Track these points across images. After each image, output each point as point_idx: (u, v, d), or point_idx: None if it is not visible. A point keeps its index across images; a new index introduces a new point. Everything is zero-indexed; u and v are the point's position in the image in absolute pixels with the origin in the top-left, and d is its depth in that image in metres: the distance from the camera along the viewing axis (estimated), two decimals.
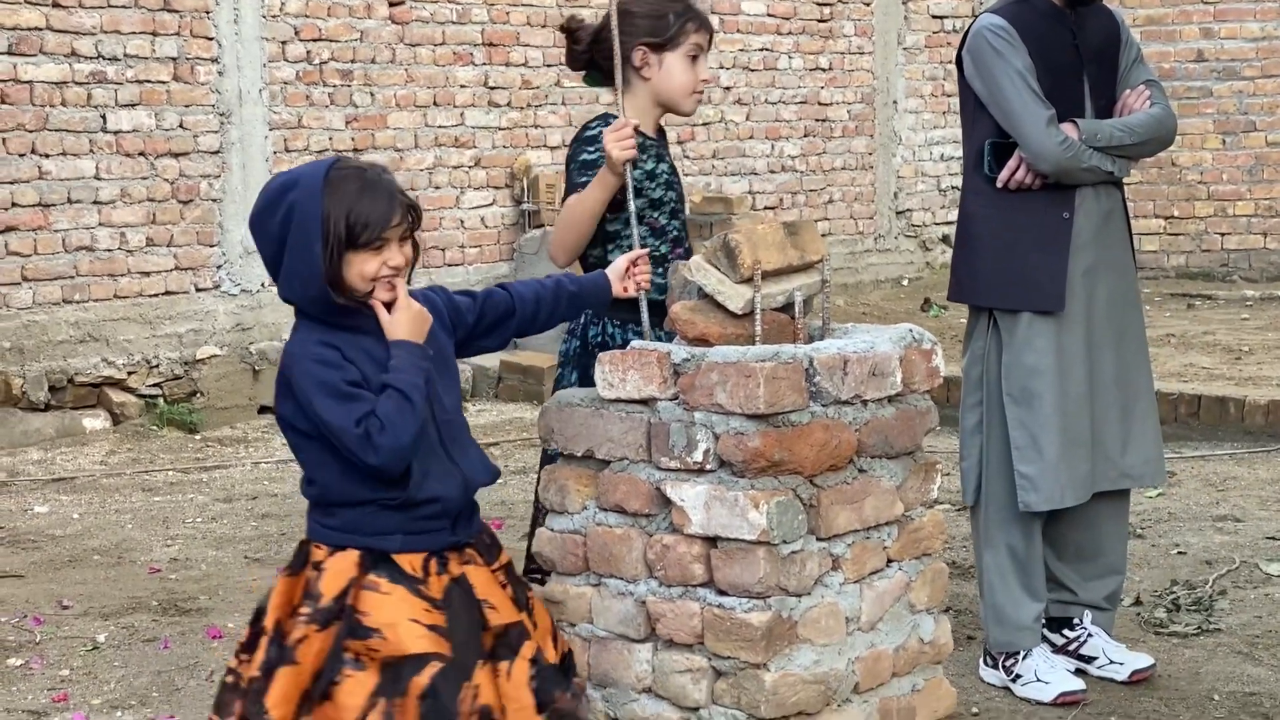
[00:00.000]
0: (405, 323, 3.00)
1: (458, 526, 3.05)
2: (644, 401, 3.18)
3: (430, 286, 3.23)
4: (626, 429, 3.20)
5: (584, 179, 3.74)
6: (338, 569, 2.97)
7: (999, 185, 4.27)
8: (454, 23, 9.47)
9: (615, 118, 3.74)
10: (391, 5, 9.19)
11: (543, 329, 3.41)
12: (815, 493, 3.13)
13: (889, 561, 3.31)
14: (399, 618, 2.91)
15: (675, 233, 3.91)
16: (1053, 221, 4.26)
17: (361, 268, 2.97)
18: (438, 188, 9.45)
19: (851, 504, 3.19)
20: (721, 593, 3.10)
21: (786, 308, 3.31)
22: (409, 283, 3.07)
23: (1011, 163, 4.25)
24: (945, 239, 12.25)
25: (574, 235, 3.82)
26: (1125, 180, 4.42)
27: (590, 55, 3.93)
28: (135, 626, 5.04)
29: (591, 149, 3.77)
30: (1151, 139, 4.36)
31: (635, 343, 3.25)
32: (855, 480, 3.21)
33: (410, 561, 2.97)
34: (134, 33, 8.17)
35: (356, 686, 2.89)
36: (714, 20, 9.80)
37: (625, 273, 3.44)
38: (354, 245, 2.95)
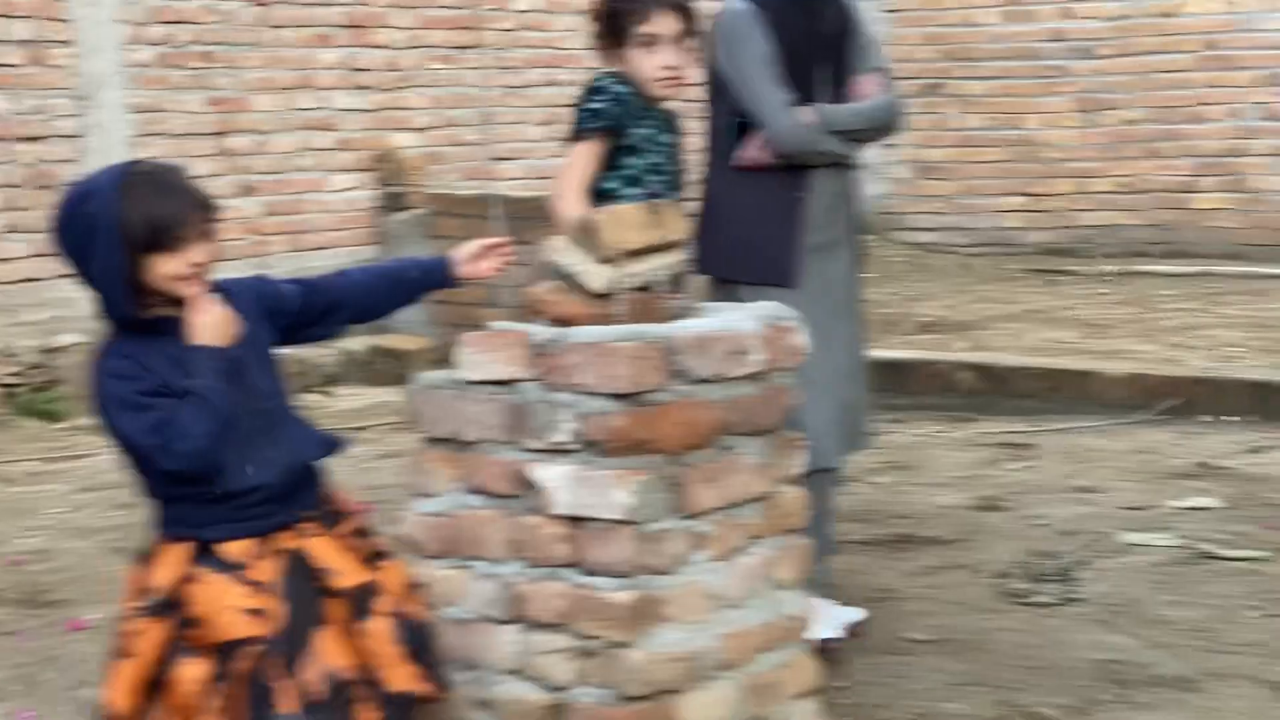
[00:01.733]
0: (205, 327, 3.02)
1: (289, 505, 3.09)
2: (507, 383, 3.17)
3: (255, 276, 3.26)
4: (490, 410, 3.19)
5: (589, 126, 3.87)
6: (169, 561, 3.04)
7: (738, 164, 4.39)
8: (317, 4, 9.37)
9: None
10: None
11: (382, 315, 3.43)
12: (679, 471, 3.15)
13: (753, 538, 3.34)
14: (220, 606, 2.99)
15: None
16: (787, 200, 4.42)
17: (164, 269, 2.98)
18: (302, 171, 9.35)
19: (715, 482, 3.21)
20: (587, 573, 3.10)
21: (648, 287, 3.31)
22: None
23: (751, 143, 4.38)
24: None
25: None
26: (855, 162, 4.61)
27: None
28: None
29: (600, 97, 3.90)
30: (881, 124, 4.56)
31: (496, 324, 3.24)
32: (719, 458, 3.23)
33: (237, 548, 3.03)
34: None
35: (191, 674, 2.99)
36: None
37: (477, 256, 3.43)
38: (155, 248, 2.96)
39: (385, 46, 9.73)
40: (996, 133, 12.50)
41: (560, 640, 3.13)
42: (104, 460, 7.27)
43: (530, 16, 10.48)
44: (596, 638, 3.09)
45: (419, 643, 3.13)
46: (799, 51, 4.41)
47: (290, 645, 3.01)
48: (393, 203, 9.64)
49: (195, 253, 3.00)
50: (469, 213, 9.16)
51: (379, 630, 3.08)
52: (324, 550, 3.11)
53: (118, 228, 2.93)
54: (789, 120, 4.35)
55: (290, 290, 3.24)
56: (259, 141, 9.09)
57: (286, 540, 3.08)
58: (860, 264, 4.69)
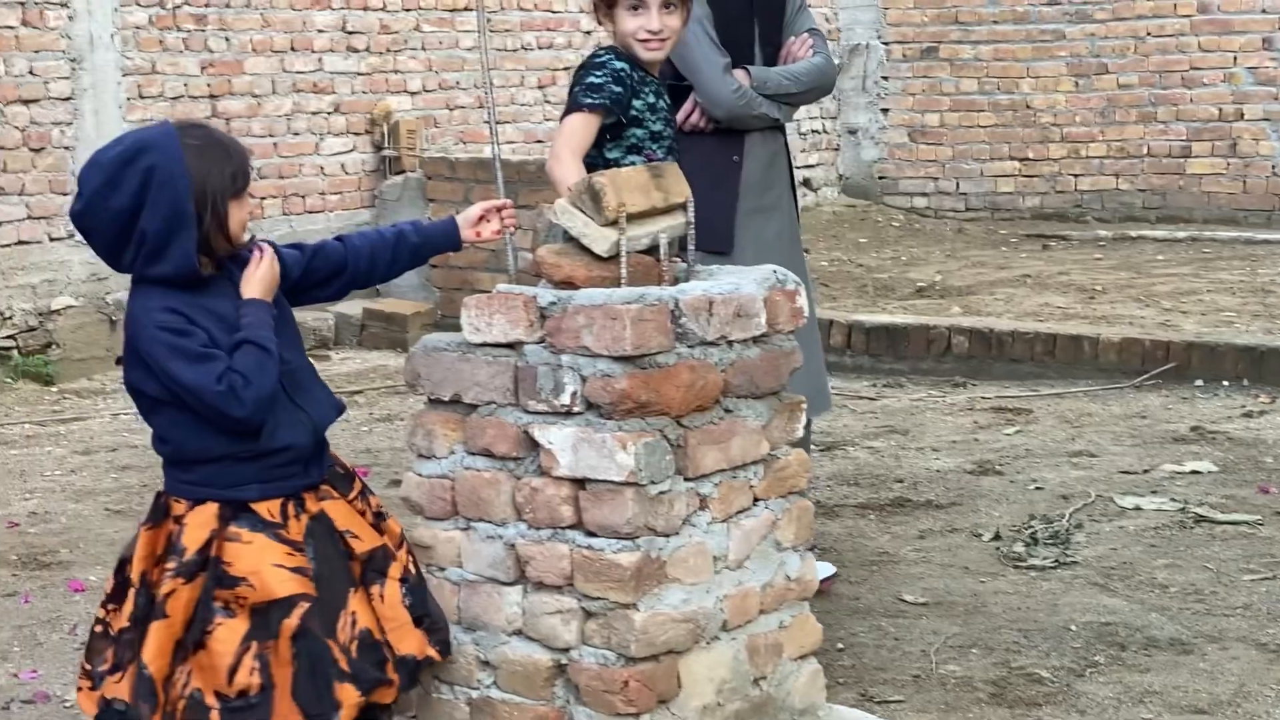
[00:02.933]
0: (259, 280, 3.09)
1: (310, 467, 3.13)
2: (511, 345, 3.18)
3: (257, 240, 3.26)
4: (494, 373, 3.20)
5: (588, 100, 3.81)
6: (198, 522, 3.05)
7: (676, 128, 4.38)
8: None
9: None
10: None
11: (384, 279, 3.48)
12: (682, 433, 3.16)
13: (756, 500, 3.35)
14: (263, 564, 3.01)
15: None
16: (723, 164, 4.46)
17: (240, 214, 3.07)
18: (296, 134, 9.32)
19: (718, 444, 3.22)
20: (590, 534, 3.12)
21: (651, 250, 3.32)
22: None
23: (687, 106, 4.42)
24: (806, 182, 12.34)
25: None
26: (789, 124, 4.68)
27: None
28: None
29: (599, 73, 3.83)
30: (815, 87, 4.61)
31: (500, 285, 3.24)
32: (722, 420, 3.24)
33: (268, 508, 3.06)
34: None
35: (228, 633, 2.99)
36: None
37: (480, 219, 3.43)
38: (237, 194, 3.05)
39: (380, 9, 9.69)
40: (990, 97, 12.49)
41: (564, 601, 3.15)
42: (98, 423, 7.29)
43: None
44: (600, 599, 3.11)
45: (424, 606, 3.17)
46: (733, 12, 4.44)
47: (328, 605, 3.03)
48: (387, 166, 9.62)
49: (246, 207, 3.09)
50: (464, 176, 9.15)
51: (390, 594, 3.13)
52: (342, 513, 3.15)
53: (187, 180, 2.97)
54: (726, 84, 4.38)
55: (291, 256, 3.27)
56: (253, 104, 9.06)
57: (310, 502, 3.11)
58: (797, 225, 4.70)
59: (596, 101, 3.80)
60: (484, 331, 3.20)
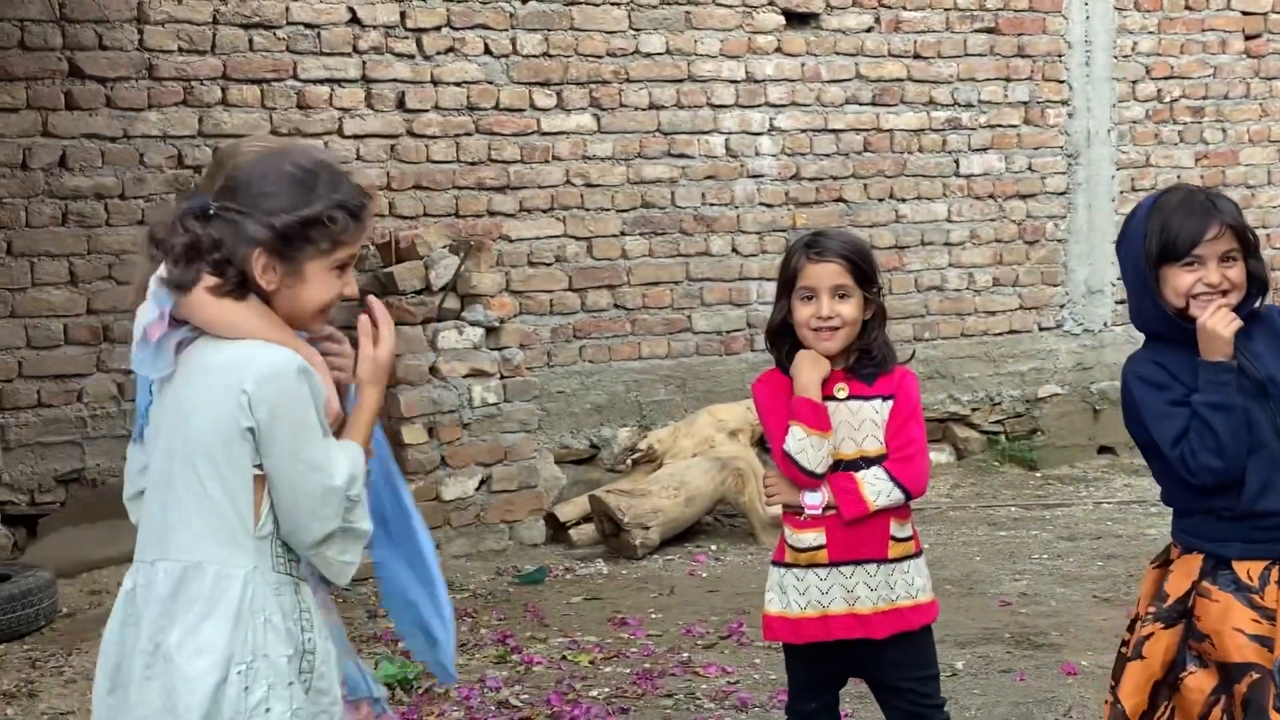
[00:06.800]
0: (1211, 340, 2.99)
1: None
2: None
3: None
4: None
5: None
6: (1183, 570, 3.08)
7: None
8: None
9: None
10: (1247, 39, 8.93)
11: None
12: None
13: None
14: (1225, 626, 3.00)
15: None
16: None
17: (1175, 283, 3.03)
18: None
19: None
20: None
21: None
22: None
23: None
24: None
25: None
26: None
27: None
28: (990, 656, 5.16)
29: None
30: None
31: None
32: None
33: (1248, 569, 3.01)
34: (988, 79, 8.42)
35: (1199, 682, 3.03)
36: None
37: None
38: (1166, 260, 3.03)
39: None
40: None
41: None
42: (1081, 511, 7.42)
43: None
44: None
45: None
46: None
47: None
48: None
49: (1210, 273, 3.01)
50: None
51: None
52: None
53: (1141, 239, 3.06)
54: None
55: None
56: (1246, 195, 8.92)
57: None
58: None
59: None
60: None
